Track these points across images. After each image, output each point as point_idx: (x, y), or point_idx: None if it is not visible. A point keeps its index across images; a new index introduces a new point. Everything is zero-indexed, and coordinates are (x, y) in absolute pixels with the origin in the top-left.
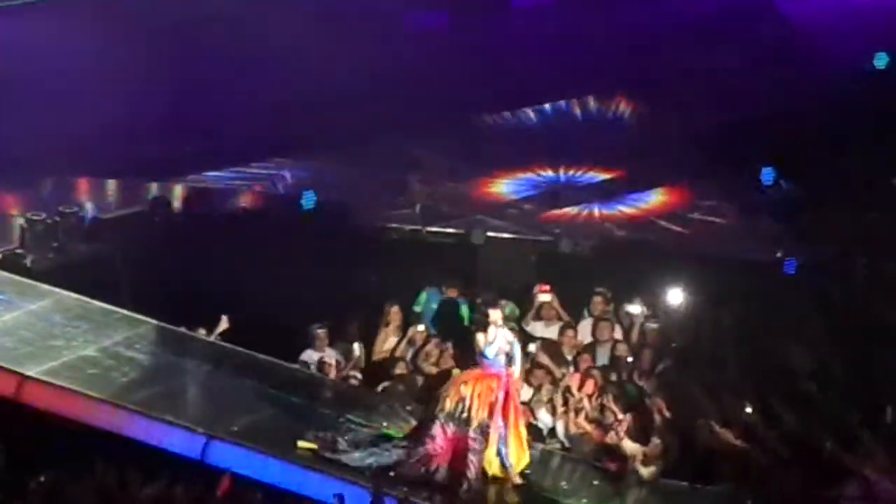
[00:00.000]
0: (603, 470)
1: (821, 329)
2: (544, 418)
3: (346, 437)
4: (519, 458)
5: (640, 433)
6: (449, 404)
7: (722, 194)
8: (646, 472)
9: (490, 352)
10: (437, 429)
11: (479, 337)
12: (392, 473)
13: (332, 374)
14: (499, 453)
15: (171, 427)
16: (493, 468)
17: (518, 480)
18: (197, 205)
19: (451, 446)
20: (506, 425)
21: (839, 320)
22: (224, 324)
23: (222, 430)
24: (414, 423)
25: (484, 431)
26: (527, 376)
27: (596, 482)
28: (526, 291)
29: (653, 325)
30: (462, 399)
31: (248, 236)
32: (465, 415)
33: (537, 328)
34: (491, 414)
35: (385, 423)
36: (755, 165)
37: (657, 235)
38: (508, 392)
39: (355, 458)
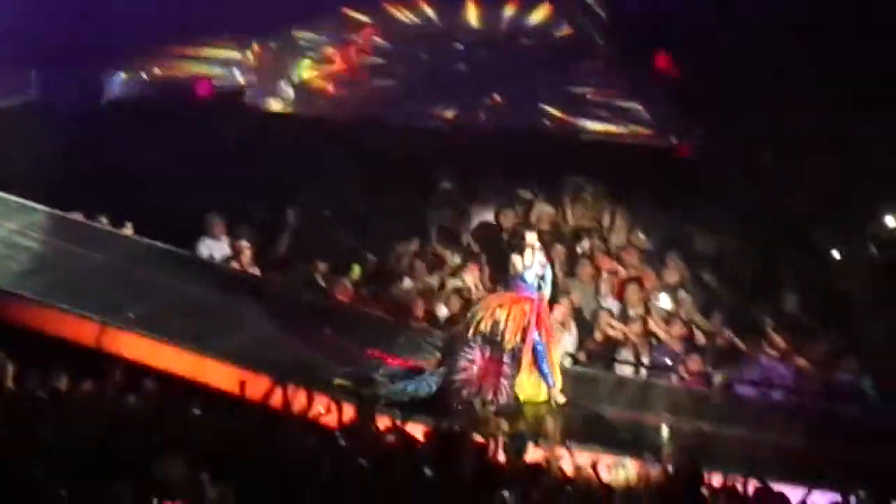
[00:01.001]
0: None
1: (724, 219)
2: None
3: (381, 371)
4: (555, 378)
5: None
6: (483, 327)
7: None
8: None
9: (529, 276)
10: (475, 352)
11: (517, 259)
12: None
13: (246, 261)
14: (541, 371)
15: (66, 314)
16: (527, 392)
17: (561, 398)
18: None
19: (487, 369)
20: (542, 343)
21: (743, 210)
22: (128, 230)
23: (118, 318)
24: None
25: (516, 357)
26: None
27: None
28: None
29: None
30: (497, 322)
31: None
32: (498, 338)
33: None
34: (524, 338)
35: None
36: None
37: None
38: (540, 315)
39: (396, 390)
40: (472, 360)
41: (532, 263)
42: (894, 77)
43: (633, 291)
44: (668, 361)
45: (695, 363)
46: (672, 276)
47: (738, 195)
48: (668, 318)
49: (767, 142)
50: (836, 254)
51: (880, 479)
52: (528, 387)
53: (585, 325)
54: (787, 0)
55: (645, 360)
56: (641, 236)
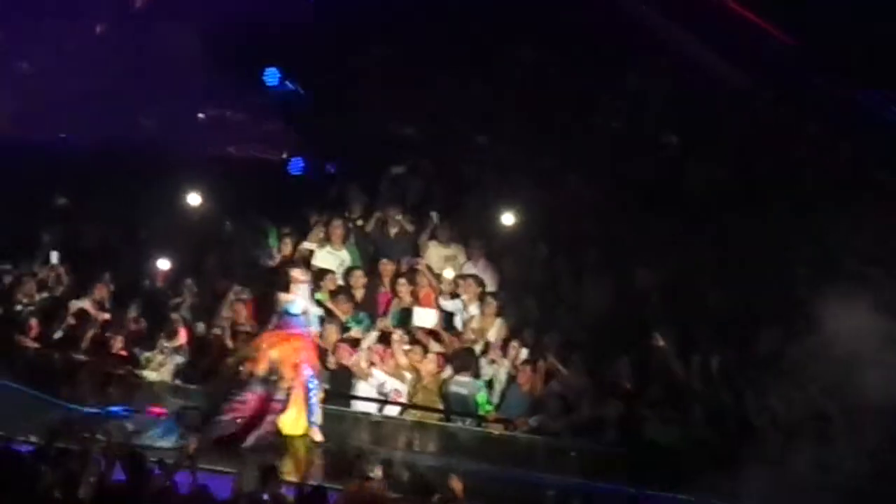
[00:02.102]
0: None
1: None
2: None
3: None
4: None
5: None
6: (260, 370)
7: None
8: None
9: (295, 309)
10: (248, 395)
11: (280, 297)
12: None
13: None
14: (310, 406)
15: None
16: (289, 427)
17: (319, 437)
18: None
19: (260, 407)
20: (315, 378)
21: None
22: None
23: None
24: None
25: (288, 395)
26: None
27: None
28: None
29: None
30: (273, 361)
31: None
32: (275, 377)
33: None
34: (297, 375)
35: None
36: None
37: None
38: (313, 351)
39: (157, 435)
40: (244, 400)
41: (299, 300)
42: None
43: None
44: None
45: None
46: None
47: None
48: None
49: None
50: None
51: None
52: (289, 422)
53: None
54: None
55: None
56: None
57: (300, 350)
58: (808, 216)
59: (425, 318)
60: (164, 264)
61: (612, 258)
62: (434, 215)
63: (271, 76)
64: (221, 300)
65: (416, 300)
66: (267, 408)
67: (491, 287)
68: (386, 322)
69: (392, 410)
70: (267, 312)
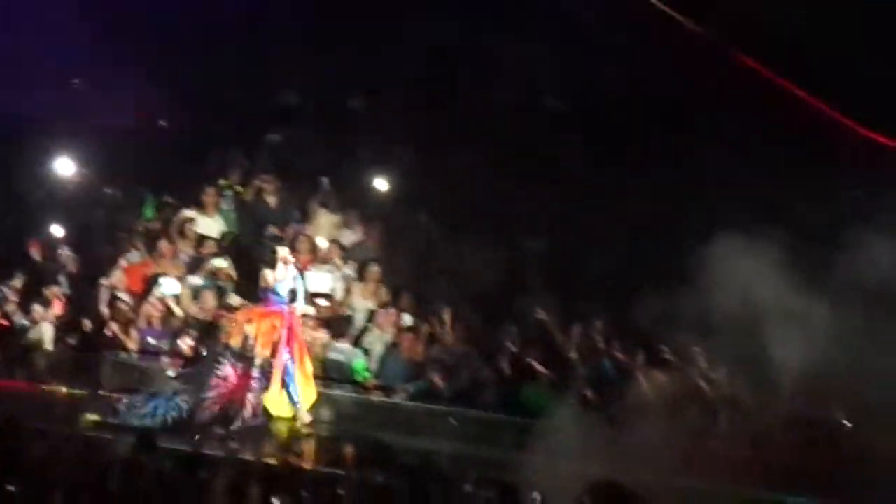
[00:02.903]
0: None
1: None
2: None
3: (125, 400)
4: (307, 395)
5: None
6: (234, 343)
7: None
8: None
9: (281, 289)
10: (227, 368)
11: (268, 273)
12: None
13: None
14: (287, 390)
15: None
16: (278, 408)
17: (307, 418)
18: None
19: (240, 384)
20: (292, 361)
21: None
22: None
23: None
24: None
25: (266, 371)
26: None
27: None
28: None
29: None
30: (246, 337)
31: None
32: (249, 353)
33: None
34: (274, 352)
35: None
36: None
37: None
38: (292, 328)
39: (144, 414)
40: (225, 376)
41: (284, 277)
42: None
43: None
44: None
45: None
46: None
47: None
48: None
49: None
50: None
51: None
52: (279, 403)
53: None
54: None
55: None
56: None
57: (278, 328)
58: (693, 180)
59: (320, 282)
60: (43, 234)
61: (495, 225)
62: (324, 181)
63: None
64: (101, 268)
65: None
66: (247, 384)
67: (372, 254)
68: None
69: None
70: (148, 281)
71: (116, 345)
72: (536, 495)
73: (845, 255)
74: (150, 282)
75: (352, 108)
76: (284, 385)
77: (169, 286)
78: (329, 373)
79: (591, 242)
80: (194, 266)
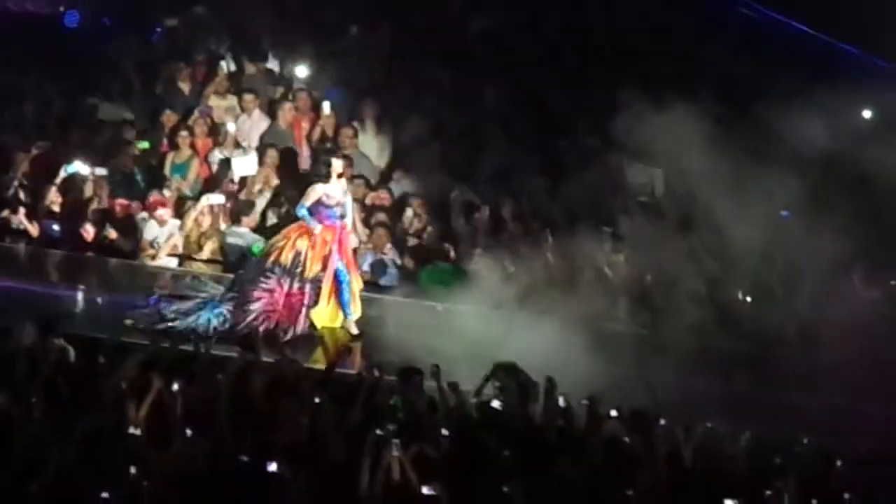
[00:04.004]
0: None
1: None
2: None
3: (173, 308)
4: (354, 308)
5: None
6: (284, 257)
7: None
8: None
9: (334, 203)
10: (273, 282)
11: (318, 187)
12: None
13: None
14: (341, 303)
15: None
16: (325, 320)
17: (354, 329)
18: None
19: (288, 300)
20: (346, 274)
21: None
22: None
23: None
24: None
25: (316, 286)
26: None
27: None
28: None
29: None
30: (298, 252)
31: None
32: (299, 268)
33: None
34: (325, 267)
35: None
36: None
37: None
38: (342, 243)
39: (189, 322)
40: (270, 289)
41: (336, 191)
42: None
43: None
44: None
45: None
46: None
47: None
48: None
49: None
50: None
51: None
52: (325, 315)
53: None
54: None
55: None
56: None
57: (330, 242)
58: (596, 72)
59: (244, 165)
60: None
61: (389, 108)
62: (223, 64)
63: None
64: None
65: (195, 151)
66: (294, 301)
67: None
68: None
69: (173, 263)
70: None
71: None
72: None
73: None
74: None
75: None
76: (338, 295)
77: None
78: (231, 257)
79: (490, 128)
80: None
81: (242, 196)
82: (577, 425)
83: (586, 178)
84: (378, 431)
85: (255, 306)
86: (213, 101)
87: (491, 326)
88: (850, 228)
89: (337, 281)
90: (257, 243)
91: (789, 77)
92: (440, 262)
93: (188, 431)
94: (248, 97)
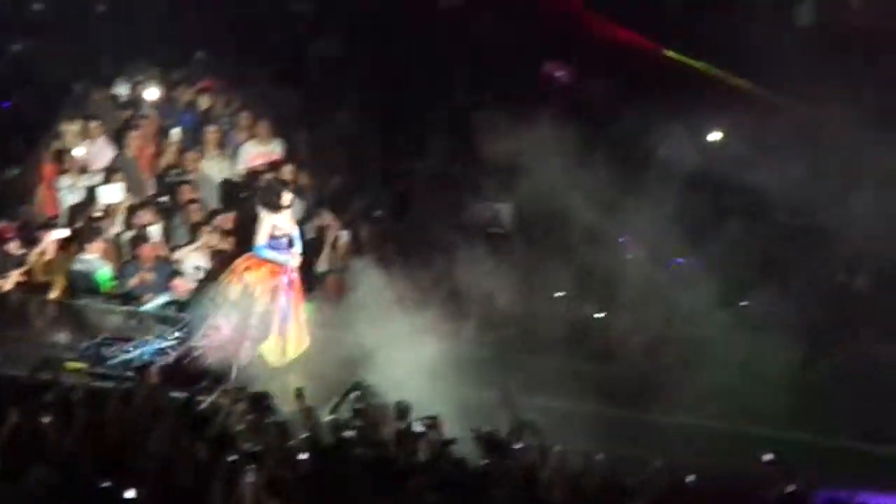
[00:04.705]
0: None
1: None
2: None
3: (113, 348)
4: (300, 342)
5: None
6: (231, 292)
7: None
8: None
9: (283, 236)
10: (220, 319)
11: (269, 220)
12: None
13: None
14: (283, 337)
15: None
16: (274, 354)
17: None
18: None
19: (234, 335)
20: (290, 307)
21: None
22: None
23: None
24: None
25: (265, 320)
26: None
27: None
28: None
29: None
30: (245, 286)
31: None
32: (246, 302)
33: None
34: (274, 300)
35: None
36: None
37: None
38: (291, 277)
39: (124, 357)
40: (217, 325)
41: (284, 223)
42: None
43: None
44: None
45: None
46: None
47: None
48: None
49: None
50: None
51: None
52: (274, 350)
53: None
54: None
55: None
56: None
57: (277, 274)
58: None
59: (111, 193)
60: None
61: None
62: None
63: None
64: None
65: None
66: (240, 335)
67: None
68: None
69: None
70: None
71: None
72: None
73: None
74: None
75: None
76: (284, 329)
77: None
78: (78, 284)
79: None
80: None
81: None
82: (429, 448)
83: (437, 201)
84: (231, 457)
85: (202, 342)
86: (62, 126)
87: (346, 349)
88: (703, 248)
89: (284, 315)
90: (102, 270)
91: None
92: None
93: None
94: (94, 123)
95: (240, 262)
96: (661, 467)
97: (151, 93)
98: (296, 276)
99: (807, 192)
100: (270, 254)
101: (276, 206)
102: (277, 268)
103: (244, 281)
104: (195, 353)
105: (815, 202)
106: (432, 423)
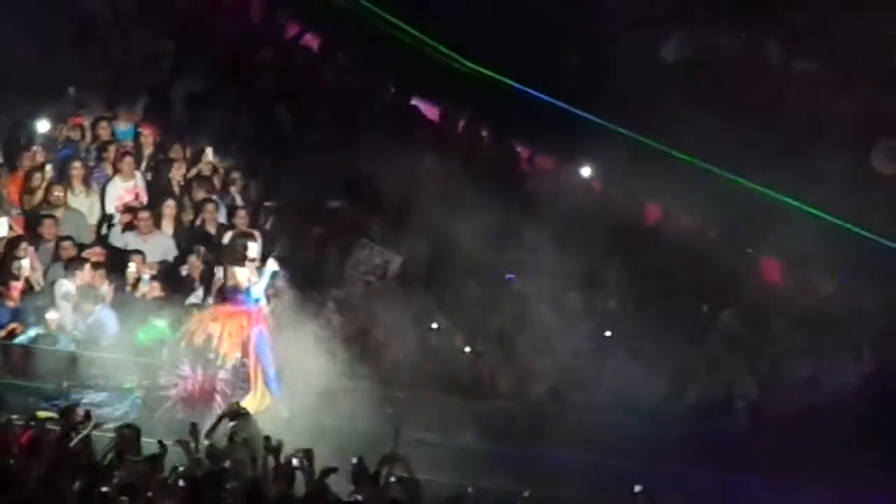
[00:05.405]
0: None
1: None
2: None
3: (85, 399)
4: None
5: None
6: (196, 342)
7: None
8: None
9: (255, 290)
10: (185, 369)
11: (239, 272)
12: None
13: None
14: (268, 385)
15: None
16: (256, 405)
17: (285, 413)
18: None
19: (201, 387)
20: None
21: None
22: None
23: None
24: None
25: (240, 373)
26: None
27: None
28: None
29: None
30: (210, 336)
31: None
32: (211, 354)
33: None
34: (245, 353)
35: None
36: None
37: None
38: (262, 326)
39: (104, 413)
40: (183, 375)
41: (256, 277)
42: None
43: None
44: None
45: None
46: None
47: None
48: None
49: None
50: None
51: None
52: (256, 400)
53: None
54: None
55: None
56: None
57: (246, 326)
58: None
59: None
60: None
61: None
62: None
63: None
64: None
65: None
66: (208, 387)
67: None
68: None
69: None
70: None
71: None
72: None
73: None
74: None
75: None
76: (264, 378)
77: None
78: None
79: None
80: None
81: None
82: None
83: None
84: (103, 489)
85: (169, 393)
86: None
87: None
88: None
89: (261, 364)
90: None
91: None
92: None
93: None
94: None
95: (206, 313)
96: (531, 498)
97: (42, 125)
98: (267, 325)
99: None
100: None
101: (241, 260)
102: (245, 319)
103: (209, 331)
104: (166, 405)
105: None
106: (307, 456)
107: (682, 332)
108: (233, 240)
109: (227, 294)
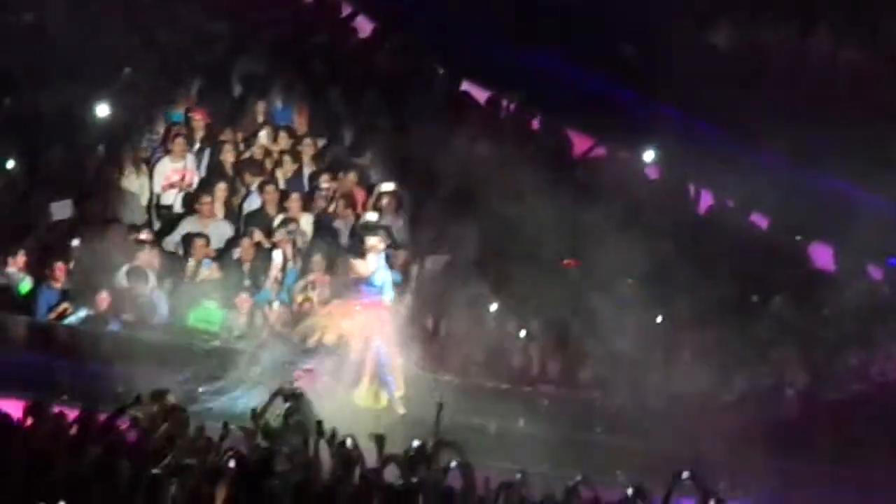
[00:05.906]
0: None
1: None
2: None
3: (205, 387)
4: (398, 387)
5: None
6: (328, 339)
7: None
8: None
9: (376, 279)
10: (313, 363)
11: (360, 264)
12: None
13: None
14: (384, 382)
15: None
16: (367, 400)
17: (401, 410)
18: None
19: (322, 380)
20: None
21: None
22: None
23: None
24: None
25: (359, 368)
26: None
27: None
28: None
29: None
30: (343, 334)
31: None
32: (341, 350)
33: None
34: (367, 347)
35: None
36: None
37: None
38: (383, 321)
39: (224, 403)
40: (309, 369)
41: (377, 267)
42: None
43: None
44: None
45: None
46: None
47: None
48: None
49: None
50: None
51: None
52: (367, 395)
53: None
54: None
55: None
56: None
57: (372, 321)
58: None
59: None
60: None
61: None
62: None
63: None
64: None
65: None
66: (327, 380)
67: None
68: None
69: None
70: None
71: None
72: None
73: None
74: None
75: None
76: (380, 375)
77: None
78: None
79: None
80: None
81: None
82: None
83: None
84: (154, 470)
85: (295, 385)
86: None
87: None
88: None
89: (378, 362)
90: (24, 282)
91: None
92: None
93: None
94: None
95: (336, 309)
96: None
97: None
98: (389, 322)
99: None
100: (364, 297)
101: (362, 252)
102: (374, 312)
103: (340, 329)
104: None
105: None
106: (378, 442)
107: (733, 318)
108: (352, 235)
109: (352, 287)
